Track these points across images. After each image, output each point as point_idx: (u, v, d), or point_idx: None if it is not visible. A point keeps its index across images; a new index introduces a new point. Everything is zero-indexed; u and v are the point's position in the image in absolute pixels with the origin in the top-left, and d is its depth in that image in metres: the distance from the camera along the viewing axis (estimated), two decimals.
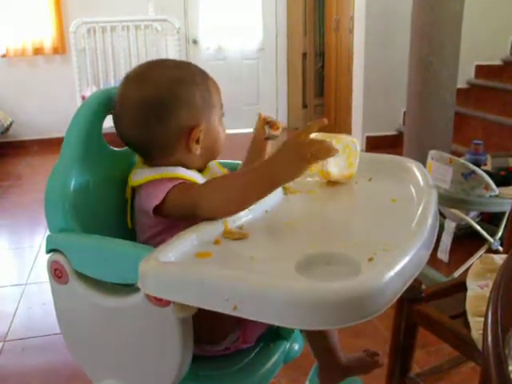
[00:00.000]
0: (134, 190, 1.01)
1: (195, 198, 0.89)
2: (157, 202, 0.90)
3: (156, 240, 0.95)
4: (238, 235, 0.84)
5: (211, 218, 0.87)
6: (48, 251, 0.93)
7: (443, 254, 2.35)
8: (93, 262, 0.89)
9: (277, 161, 0.85)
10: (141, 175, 0.98)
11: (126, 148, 1.08)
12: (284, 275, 0.71)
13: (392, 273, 0.67)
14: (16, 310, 2.18)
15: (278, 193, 1.00)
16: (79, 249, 0.91)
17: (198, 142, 0.98)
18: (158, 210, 0.92)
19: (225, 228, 0.85)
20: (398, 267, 0.69)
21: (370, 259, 0.74)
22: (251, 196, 0.87)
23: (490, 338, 0.53)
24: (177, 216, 0.92)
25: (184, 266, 0.74)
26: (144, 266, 0.74)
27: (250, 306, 0.66)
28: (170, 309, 0.80)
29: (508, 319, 0.56)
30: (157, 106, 0.95)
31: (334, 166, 1.06)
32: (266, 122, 1.11)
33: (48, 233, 0.95)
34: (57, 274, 0.92)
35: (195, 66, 1.03)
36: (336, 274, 0.73)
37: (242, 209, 0.88)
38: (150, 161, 1.01)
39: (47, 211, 0.94)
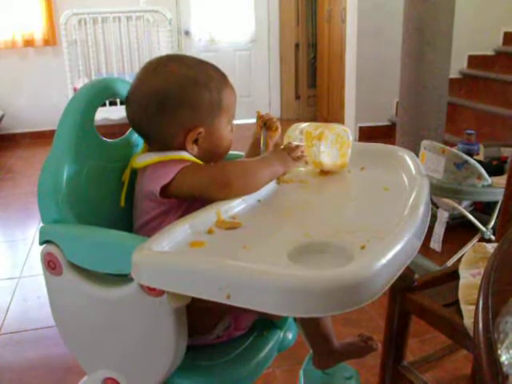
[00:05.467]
0: (134, 174, 1.04)
1: (214, 177, 0.94)
2: (165, 181, 0.93)
3: (154, 223, 0.97)
4: (231, 225, 0.84)
5: (229, 197, 0.91)
6: (41, 243, 0.93)
7: (436, 244, 2.36)
8: (86, 252, 0.89)
9: (272, 158, 1.01)
10: (147, 157, 1.01)
11: (118, 139, 1.09)
12: (277, 264, 0.71)
13: (384, 260, 0.68)
14: (10, 303, 2.18)
15: (270, 183, 1.00)
16: (73, 240, 0.91)
17: (196, 142, 1.00)
18: (164, 190, 0.94)
19: (218, 218, 0.85)
20: (389, 255, 0.70)
21: (363, 247, 0.75)
22: (261, 182, 0.97)
23: (480, 325, 0.53)
24: (184, 196, 0.95)
25: (177, 256, 0.74)
26: (137, 255, 0.74)
27: (243, 294, 0.66)
28: (164, 298, 0.80)
29: (498, 306, 0.56)
30: (163, 98, 0.97)
31: (326, 156, 1.06)
32: (264, 123, 1.12)
33: (41, 224, 0.95)
34: (50, 265, 0.92)
35: (215, 70, 1.04)
36: (329, 263, 0.74)
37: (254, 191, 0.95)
38: (153, 147, 1.03)
39: (40, 202, 0.94)
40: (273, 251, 0.76)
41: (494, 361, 0.48)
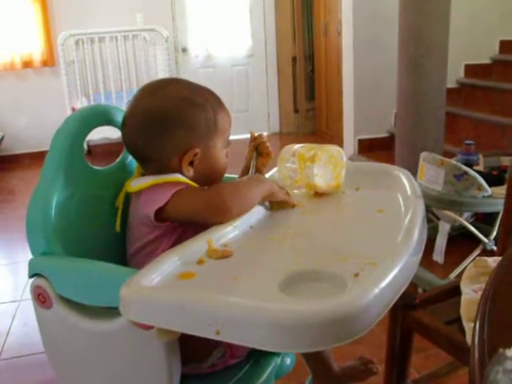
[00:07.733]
0: (128, 199, 1.03)
1: (211, 201, 0.92)
2: (160, 204, 0.92)
3: (149, 249, 0.96)
4: (222, 254, 0.82)
5: (227, 220, 0.90)
6: (31, 276, 0.92)
7: (438, 256, 2.34)
8: (76, 285, 0.88)
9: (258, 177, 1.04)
10: (142, 181, 1.00)
11: (107, 167, 1.08)
12: (267, 296, 0.70)
13: (377, 290, 0.66)
14: (10, 327, 2.16)
15: (263, 209, 0.99)
16: (62, 273, 0.90)
17: (192, 164, 1.00)
18: (159, 213, 0.93)
19: (209, 247, 0.84)
20: (384, 283, 0.68)
21: (356, 275, 0.73)
22: (254, 201, 0.96)
23: (476, 358, 0.52)
24: (179, 220, 0.94)
25: (165, 291, 0.73)
26: (125, 290, 0.72)
27: (233, 330, 0.65)
28: (154, 332, 0.79)
29: (495, 337, 0.54)
30: (158, 118, 0.97)
31: (320, 178, 1.05)
32: (255, 147, 1.11)
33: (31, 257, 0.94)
34: (40, 298, 0.91)
35: (211, 94, 1.05)
36: (321, 292, 0.72)
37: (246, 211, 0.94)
38: (148, 170, 1.03)
39: (29, 235, 0.94)
40: (264, 282, 0.74)
41: None
